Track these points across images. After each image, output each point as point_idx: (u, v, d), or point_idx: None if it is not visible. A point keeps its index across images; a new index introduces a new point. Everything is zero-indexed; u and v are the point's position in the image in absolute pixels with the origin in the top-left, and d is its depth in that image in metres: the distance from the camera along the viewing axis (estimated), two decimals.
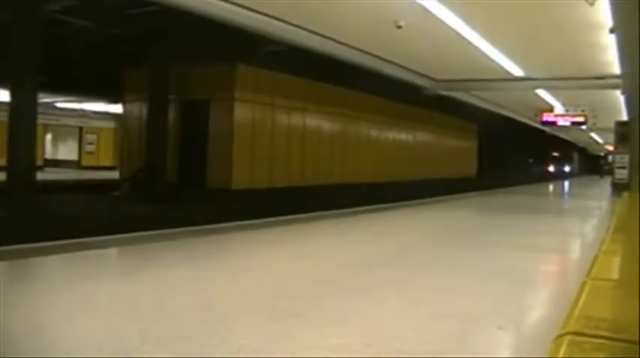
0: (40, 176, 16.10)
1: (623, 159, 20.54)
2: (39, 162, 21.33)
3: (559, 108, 21.02)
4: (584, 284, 2.68)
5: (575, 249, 9.10)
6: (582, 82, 15.52)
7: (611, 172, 24.42)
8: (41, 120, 17.03)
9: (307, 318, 4.10)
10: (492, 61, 13.46)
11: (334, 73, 16.67)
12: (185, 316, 4.05)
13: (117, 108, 24.37)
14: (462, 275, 5.86)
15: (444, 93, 18.56)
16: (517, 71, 14.80)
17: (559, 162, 56.87)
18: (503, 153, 36.29)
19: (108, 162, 31.70)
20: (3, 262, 5.69)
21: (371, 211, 12.71)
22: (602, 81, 14.97)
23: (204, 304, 4.41)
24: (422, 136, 27.47)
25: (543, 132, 33.59)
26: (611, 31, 9.43)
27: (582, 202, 20.78)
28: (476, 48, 12.13)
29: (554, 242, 9.24)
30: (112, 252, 6.96)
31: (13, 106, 12.96)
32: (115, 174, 21.36)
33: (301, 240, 8.51)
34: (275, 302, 4.52)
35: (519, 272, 6.19)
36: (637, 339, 1.79)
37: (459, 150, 32.45)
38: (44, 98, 22.51)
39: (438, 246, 8.30)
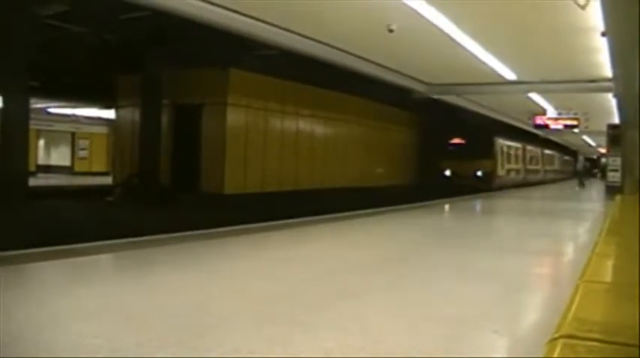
0: (32, 182, 16.06)
1: (615, 161, 20.58)
2: (31, 168, 21.26)
3: (551, 112, 21.12)
4: (577, 286, 2.69)
5: None
6: (574, 85, 15.59)
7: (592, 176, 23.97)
8: (33, 125, 17.03)
9: (301, 321, 4.10)
10: (485, 64, 13.50)
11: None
12: (179, 320, 4.05)
13: (110, 114, 24.34)
14: None
15: (437, 96, 18.60)
16: (510, 75, 14.85)
17: (466, 157, 27.52)
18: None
19: (101, 168, 31.67)
20: None
21: (366, 215, 12.70)
22: (594, 84, 15.05)
23: (198, 308, 4.41)
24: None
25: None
26: (603, 34, 9.48)
27: None
28: (468, 52, 12.16)
29: None
30: (106, 257, 6.93)
31: (4, 112, 12.92)
32: (107, 180, 21.31)
33: (294, 245, 8.51)
34: (268, 306, 4.52)
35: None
36: (629, 342, 1.80)
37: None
38: (36, 103, 22.46)
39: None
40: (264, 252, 7.61)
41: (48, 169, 31.64)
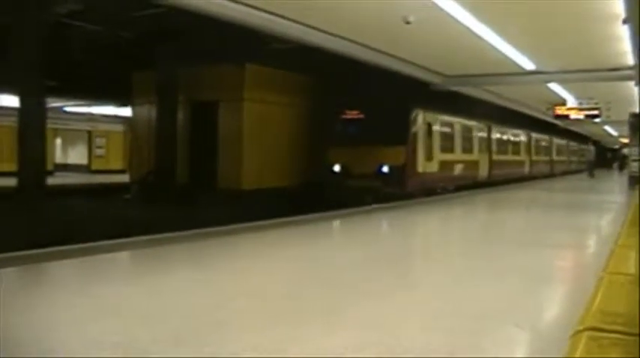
0: (50, 180, 16.20)
1: (637, 151, 20.30)
2: (49, 167, 21.43)
3: (572, 102, 20.87)
4: (601, 278, 2.67)
5: None
6: (595, 74, 15.38)
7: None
8: (50, 124, 17.16)
9: (317, 318, 4.13)
10: (503, 55, 13.38)
11: None
12: (197, 317, 4.09)
13: (126, 111, 24.52)
14: None
15: (455, 89, 18.48)
16: (529, 65, 14.70)
17: (364, 143, 16.87)
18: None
19: (118, 166, 31.83)
20: (16, 267, 5.73)
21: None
22: (617, 72, 14.82)
23: (215, 307, 4.43)
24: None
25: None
26: (624, 21, 9.36)
27: None
28: (486, 42, 12.07)
29: None
30: (123, 256, 6.98)
31: (21, 111, 13.04)
32: (125, 178, 21.47)
33: (310, 241, 8.53)
34: (284, 303, 4.55)
35: None
36: None
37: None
38: (53, 102, 22.66)
39: None
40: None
41: (65, 168, 31.87)
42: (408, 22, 10.43)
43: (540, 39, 12.42)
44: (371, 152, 16.85)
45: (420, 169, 17.67)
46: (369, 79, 16.10)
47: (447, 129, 19.93)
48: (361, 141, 16.77)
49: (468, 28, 10.90)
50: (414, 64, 15.40)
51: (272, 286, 5.26)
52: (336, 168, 17.37)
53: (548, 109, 22.38)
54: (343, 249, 7.81)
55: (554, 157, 36.89)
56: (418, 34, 11.72)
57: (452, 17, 10.13)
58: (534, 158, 31.56)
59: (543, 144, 34.19)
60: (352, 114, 17.77)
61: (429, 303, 4.64)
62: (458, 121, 20.90)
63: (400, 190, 16.51)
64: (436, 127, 18.91)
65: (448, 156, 19.76)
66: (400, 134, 17.06)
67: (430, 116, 18.44)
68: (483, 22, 10.72)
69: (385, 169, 16.96)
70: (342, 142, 17.30)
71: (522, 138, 29.51)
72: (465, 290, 5.15)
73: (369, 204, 14.02)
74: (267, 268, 6.14)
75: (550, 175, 33.93)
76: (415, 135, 17.57)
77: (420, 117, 17.85)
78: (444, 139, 19.49)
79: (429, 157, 18.26)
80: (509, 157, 26.95)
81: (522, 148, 29.51)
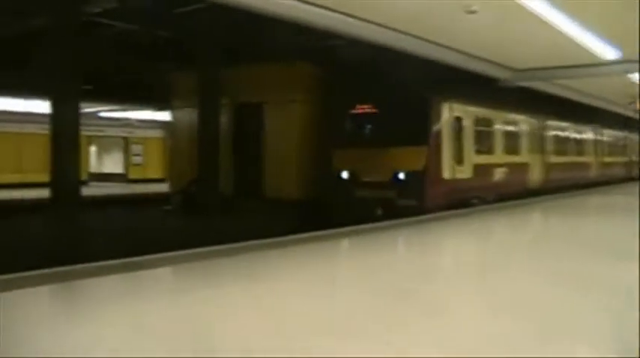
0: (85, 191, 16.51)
1: None
2: (83, 177, 21.87)
3: None
4: None
5: None
6: None
7: None
8: (84, 131, 17.47)
9: (375, 336, 4.12)
10: (580, 43, 12.97)
11: None
12: (249, 337, 4.15)
13: (165, 116, 24.85)
14: None
15: (524, 84, 18.08)
16: (611, 53, 14.19)
17: (377, 143, 15.19)
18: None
19: (157, 174, 32.26)
20: (51, 285, 5.84)
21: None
22: None
23: (271, 325, 4.46)
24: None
25: None
26: None
27: None
28: (561, 31, 11.77)
29: None
30: (166, 271, 7.04)
31: (54, 118, 13.27)
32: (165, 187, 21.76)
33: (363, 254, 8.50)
34: (338, 322, 4.57)
35: None
36: None
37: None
38: (87, 108, 23.13)
39: None
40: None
41: (101, 177, 32.47)
42: (471, 12, 10.30)
43: (626, 23, 11.96)
44: (382, 154, 14.98)
45: (446, 175, 15.46)
46: (381, 63, 14.93)
47: (483, 125, 17.56)
48: (371, 140, 15.47)
49: (540, 16, 10.67)
50: (478, 57, 15.18)
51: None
52: (344, 174, 15.67)
53: (630, 104, 21.69)
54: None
55: (633, 157, 34.17)
56: (483, 25, 11.54)
57: (522, 4, 9.95)
58: (605, 159, 29.17)
59: (619, 142, 32.11)
60: (363, 108, 16.00)
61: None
62: (499, 114, 18.53)
63: (416, 203, 14.45)
64: (467, 122, 16.57)
65: (485, 159, 17.38)
66: (419, 132, 15.06)
67: (459, 108, 16.26)
68: (557, 7, 10.46)
69: (401, 175, 14.93)
70: (350, 142, 15.75)
71: (589, 135, 27.24)
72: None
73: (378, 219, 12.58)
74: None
75: (627, 179, 31.24)
76: (439, 132, 15.40)
77: (446, 110, 15.76)
78: (479, 137, 17.19)
79: (459, 160, 16.02)
80: (570, 159, 24.56)
81: (588, 147, 27.16)
